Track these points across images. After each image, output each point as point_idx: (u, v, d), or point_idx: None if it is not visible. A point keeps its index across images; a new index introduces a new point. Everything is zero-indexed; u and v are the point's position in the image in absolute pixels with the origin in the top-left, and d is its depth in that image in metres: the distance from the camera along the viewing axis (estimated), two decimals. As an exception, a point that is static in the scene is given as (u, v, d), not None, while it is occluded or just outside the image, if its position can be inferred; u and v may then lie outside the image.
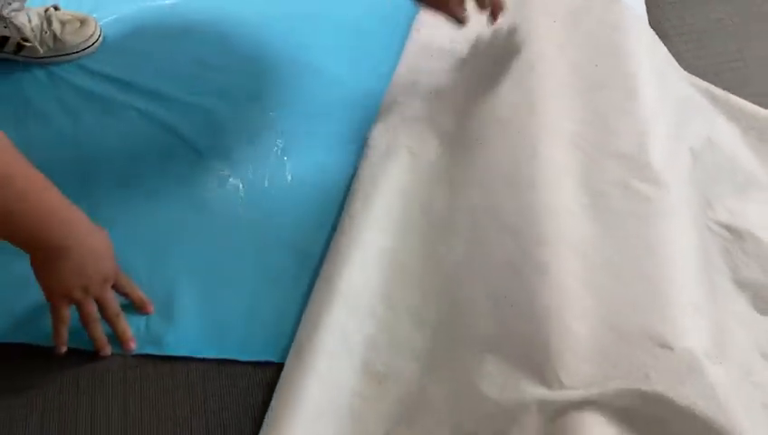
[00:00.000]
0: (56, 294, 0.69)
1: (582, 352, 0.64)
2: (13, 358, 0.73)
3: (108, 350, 0.73)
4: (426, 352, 0.71)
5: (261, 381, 0.71)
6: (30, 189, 0.63)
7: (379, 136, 0.87)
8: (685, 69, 0.93)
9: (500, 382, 0.65)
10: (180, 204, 0.85)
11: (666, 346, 0.63)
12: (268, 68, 0.98)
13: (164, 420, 0.70)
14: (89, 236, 0.68)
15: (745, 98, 0.91)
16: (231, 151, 0.89)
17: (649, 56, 0.88)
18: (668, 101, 0.84)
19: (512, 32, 0.90)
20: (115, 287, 0.73)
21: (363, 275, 0.75)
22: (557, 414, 0.62)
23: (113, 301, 0.72)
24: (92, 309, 0.71)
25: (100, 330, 0.72)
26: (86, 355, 0.73)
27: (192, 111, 0.93)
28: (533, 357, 0.65)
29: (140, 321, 0.75)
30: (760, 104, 0.90)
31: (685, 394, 0.61)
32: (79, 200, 0.80)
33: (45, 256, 0.66)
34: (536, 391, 0.63)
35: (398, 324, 0.73)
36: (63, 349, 0.72)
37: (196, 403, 0.71)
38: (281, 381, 0.69)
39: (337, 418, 0.67)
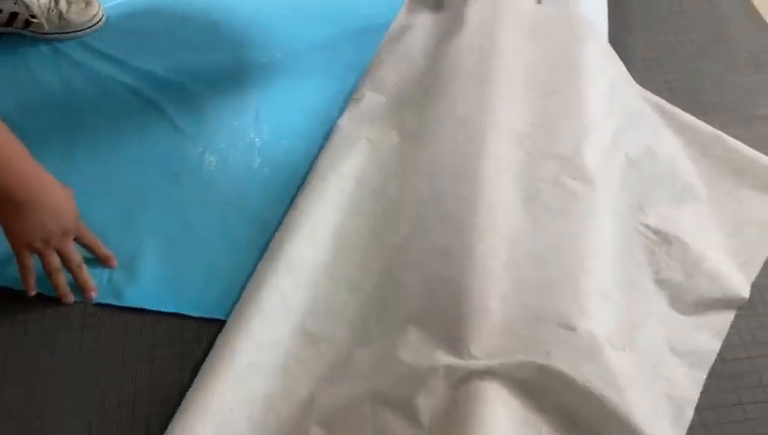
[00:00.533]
0: (18, 244, 0.76)
1: (493, 328, 0.70)
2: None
3: (70, 298, 0.80)
4: (358, 318, 0.77)
5: (206, 336, 0.77)
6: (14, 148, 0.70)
7: (344, 125, 0.94)
8: (641, 84, 0.99)
9: (416, 350, 0.70)
10: (155, 174, 0.92)
11: (569, 327, 0.69)
12: (253, 56, 1.06)
13: (114, 363, 0.77)
14: (51, 192, 0.75)
15: (696, 116, 0.95)
16: (208, 130, 0.97)
17: (603, 69, 0.93)
18: (616, 111, 0.90)
19: (476, 37, 0.96)
20: (79, 241, 0.80)
21: (311, 248, 0.81)
22: (461, 381, 0.67)
23: (74, 253, 0.79)
24: (53, 259, 0.78)
25: (63, 279, 0.79)
26: (52, 301, 0.80)
27: (177, 90, 1.01)
28: (450, 330, 0.71)
29: (104, 274, 0.82)
30: (709, 122, 0.94)
31: (582, 373, 0.66)
32: (61, 162, 0.89)
33: (8, 208, 0.73)
34: (446, 359, 0.68)
35: (337, 294, 0.79)
36: (32, 293, 0.79)
37: (145, 351, 0.77)
38: (219, 336, 0.75)
39: (267, 374, 0.73)
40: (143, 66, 1.04)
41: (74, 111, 0.99)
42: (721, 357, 0.75)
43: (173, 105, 0.99)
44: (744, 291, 0.79)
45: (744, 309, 0.79)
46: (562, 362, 0.67)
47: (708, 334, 0.77)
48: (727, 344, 0.76)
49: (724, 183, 0.89)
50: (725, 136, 0.92)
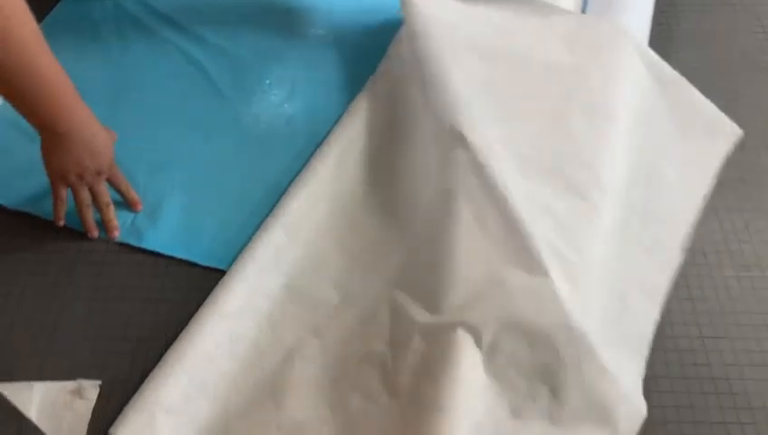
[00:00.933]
0: (54, 175, 0.82)
1: (464, 288, 0.73)
2: (21, 226, 0.88)
3: (95, 233, 0.86)
4: (344, 277, 0.81)
5: (212, 283, 0.82)
6: (49, 77, 0.75)
7: (358, 102, 0.98)
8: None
9: (398, 312, 0.75)
10: (188, 130, 0.98)
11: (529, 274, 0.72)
12: (298, 31, 1.11)
13: (127, 297, 0.83)
14: (91, 129, 0.81)
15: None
16: (245, 96, 1.02)
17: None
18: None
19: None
20: (111, 182, 0.86)
21: (309, 207, 0.86)
22: (435, 337, 0.71)
23: (105, 192, 0.85)
24: (85, 196, 0.84)
25: (90, 215, 0.86)
26: (77, 235, 0.87)
27: (223, 54, 1.07)
28: (428, 290, 0.75)
29: (129, 217, 0.89)
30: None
31: (544, 322, 0.70)
32: (106, 108, 0.95)
33: (51, 138, 0.79)
34: (421, 317, 0.73)
35: (328, 253, 0.83)
36: (60, 223, 0.86)
37: (155, 289, 0.83)
38: (219, 283, 0.81)
39: (254, 320, 0.78)
40: (196, 29, 1.10)
41: (126, 64, 1.06)
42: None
43: (217, 69, 1.05)
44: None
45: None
46: (527, 312, 0.70)
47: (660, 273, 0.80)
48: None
49: None
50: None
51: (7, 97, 0.75)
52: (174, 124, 0.99)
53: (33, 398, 0.75)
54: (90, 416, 0.74)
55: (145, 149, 0.95)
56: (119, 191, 0.88)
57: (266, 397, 0.74)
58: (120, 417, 0.73)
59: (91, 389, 0.77)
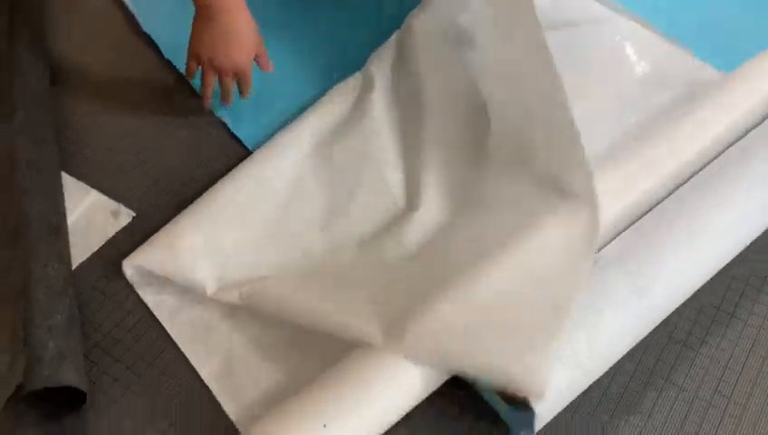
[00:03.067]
0: (191, 52, 0.91)
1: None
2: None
3: (207, 103, 0.96)
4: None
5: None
6: None
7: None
8: None
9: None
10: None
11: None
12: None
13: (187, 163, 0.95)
14: (237, 25, 0.86)
15: None
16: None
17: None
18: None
19: None
20: (238, 81, 0.93)
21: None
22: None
23: (231, 82, 0.93)
24: (212, 79, 0.92)
25: (212, 84, 0.93)
26: (196, 98, 0.99)
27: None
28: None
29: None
30: None
31: None
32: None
33: (202, 16, 0.86)
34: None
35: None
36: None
37: (218, 157, 0.95)
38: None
39: (269, 209, 0.86)
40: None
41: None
42: None
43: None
44: None
45: None
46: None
47: None
48: None
49: None
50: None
51: None
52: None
53: (85, 200, 0.90)
54: (110, 237, 0.87)
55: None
56: (241, 80, 0.93)
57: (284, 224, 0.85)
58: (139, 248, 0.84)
59: (126, 216, 0.89)
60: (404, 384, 0.69)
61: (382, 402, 0.69)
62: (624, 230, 0.79)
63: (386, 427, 0.69)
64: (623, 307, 0.72)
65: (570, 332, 0.69)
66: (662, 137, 0.86)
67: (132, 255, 0.84)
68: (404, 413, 0.70)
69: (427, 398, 0.71)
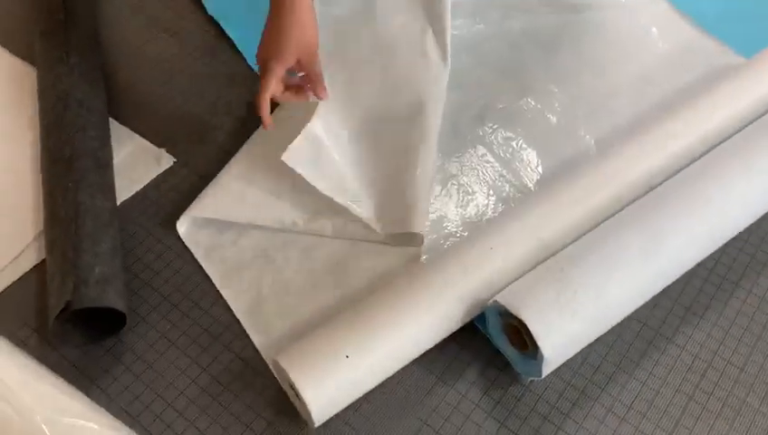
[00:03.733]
0: (258, 57, 0.81)
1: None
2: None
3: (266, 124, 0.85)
4: None
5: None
6: None
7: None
8: None
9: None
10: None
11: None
12: None
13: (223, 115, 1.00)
14: (300, 25, 0.78)
15: None
16: None
17: None
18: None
19: None
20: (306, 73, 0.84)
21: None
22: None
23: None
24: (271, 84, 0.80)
25: (267, 106, 0.82)
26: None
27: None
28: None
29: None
30: None
31: None
32: None
33: (272, 14, 0.79)
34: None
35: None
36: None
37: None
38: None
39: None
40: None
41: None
42: None
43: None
44: None
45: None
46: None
47: None
48: None
49: None
50: None
51: None
52: None
53: (129, 143, 0.95)
54: (152, 178, 0.93)
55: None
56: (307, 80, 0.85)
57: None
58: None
59: (167, 160, 0.94)
60: (422, 324, 0.74)
61: (401, 341, 0.74)
62: (643, 195, 0.83)
63: (403, 362, 0.74)
64: (631, 266, 0.76)
65: (579, 283, 0.73)
66: (681, 113, 0.90)
67: (185, 213, 0.88)
68: (417, 354, 0.75)
69: (441, 343, 0.76)
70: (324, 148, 0.87)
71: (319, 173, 0.85)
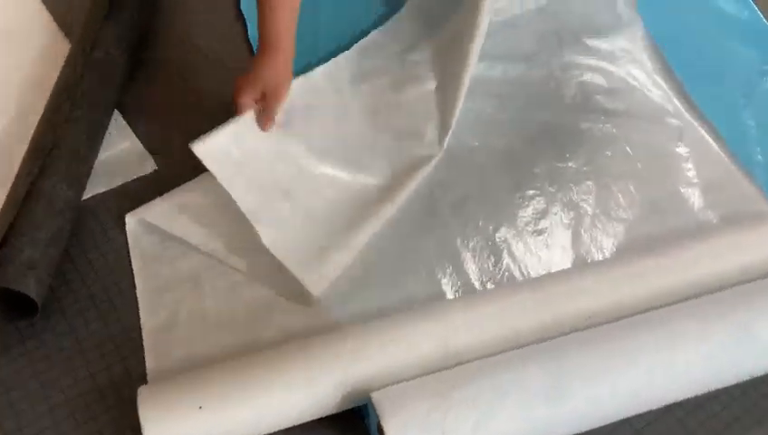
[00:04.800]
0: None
1: None
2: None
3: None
4: None
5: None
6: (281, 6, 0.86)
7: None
8: None
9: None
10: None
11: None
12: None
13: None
14: (274, 69, 0.86)
15: None
16: None
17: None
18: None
19: None
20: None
21: None
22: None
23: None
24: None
25: None
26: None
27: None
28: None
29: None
30: None
31: None
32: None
33: (257, 52, 0.88)
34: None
35: None
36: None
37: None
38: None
39: None
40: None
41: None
42: None
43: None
44: None
45: None
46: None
47: None
48: None
49: None
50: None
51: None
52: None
53: (122, 143, 0.99)
54: (129, 180, 0.96)
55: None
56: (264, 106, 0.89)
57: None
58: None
59: (149, 165, 0.98)
60: (290, 398, 0.73)
61: (260, 408, 0.72)
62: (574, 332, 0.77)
63: (260, 430, 0.73)
64: (527, 407, 0.71)
65: (458, 407, 0.69)
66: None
67: (139, 209, 0.91)
68: (277, 426, 0.73)
69: (321, 425, 0.75)
70: (248, 155, 0.87)
71: (237, 179, 0.85)
